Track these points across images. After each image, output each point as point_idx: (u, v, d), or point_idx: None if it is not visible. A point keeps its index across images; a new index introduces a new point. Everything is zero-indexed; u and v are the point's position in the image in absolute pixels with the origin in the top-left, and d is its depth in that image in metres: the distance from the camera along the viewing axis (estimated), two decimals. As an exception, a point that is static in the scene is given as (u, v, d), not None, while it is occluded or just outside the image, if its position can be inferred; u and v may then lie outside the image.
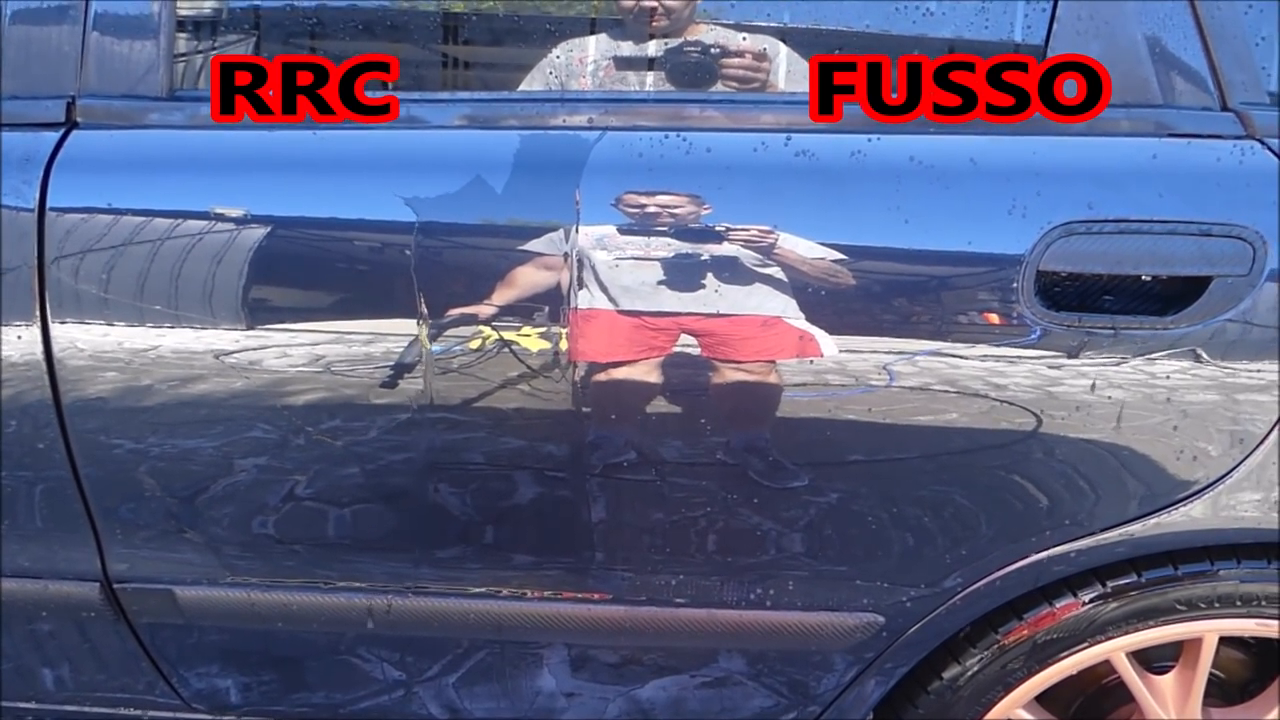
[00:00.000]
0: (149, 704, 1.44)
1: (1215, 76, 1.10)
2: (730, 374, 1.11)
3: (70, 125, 1.14)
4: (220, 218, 1.10)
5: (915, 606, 1.22)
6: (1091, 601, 1.24)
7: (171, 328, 1.13)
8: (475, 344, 1.11)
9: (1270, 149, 1.07)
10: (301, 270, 1.13)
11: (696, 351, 1.10)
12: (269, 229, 1.10)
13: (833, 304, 1.08)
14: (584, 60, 1.38)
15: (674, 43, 1.34)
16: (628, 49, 1.40)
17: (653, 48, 1.38)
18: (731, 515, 1.18)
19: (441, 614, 1.27)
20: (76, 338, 1.13)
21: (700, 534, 1.19)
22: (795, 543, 1.19)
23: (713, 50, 1.28)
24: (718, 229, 1.08)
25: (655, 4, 1.36)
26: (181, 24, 1.21)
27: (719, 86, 1.27)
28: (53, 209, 1.11)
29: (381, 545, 1.23)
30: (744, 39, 1.30)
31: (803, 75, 1.27)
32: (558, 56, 1.38)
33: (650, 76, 1.39)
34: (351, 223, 1.12)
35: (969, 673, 1.30)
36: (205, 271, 1.11)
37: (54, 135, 1.13)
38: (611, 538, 1.21)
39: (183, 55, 1.24)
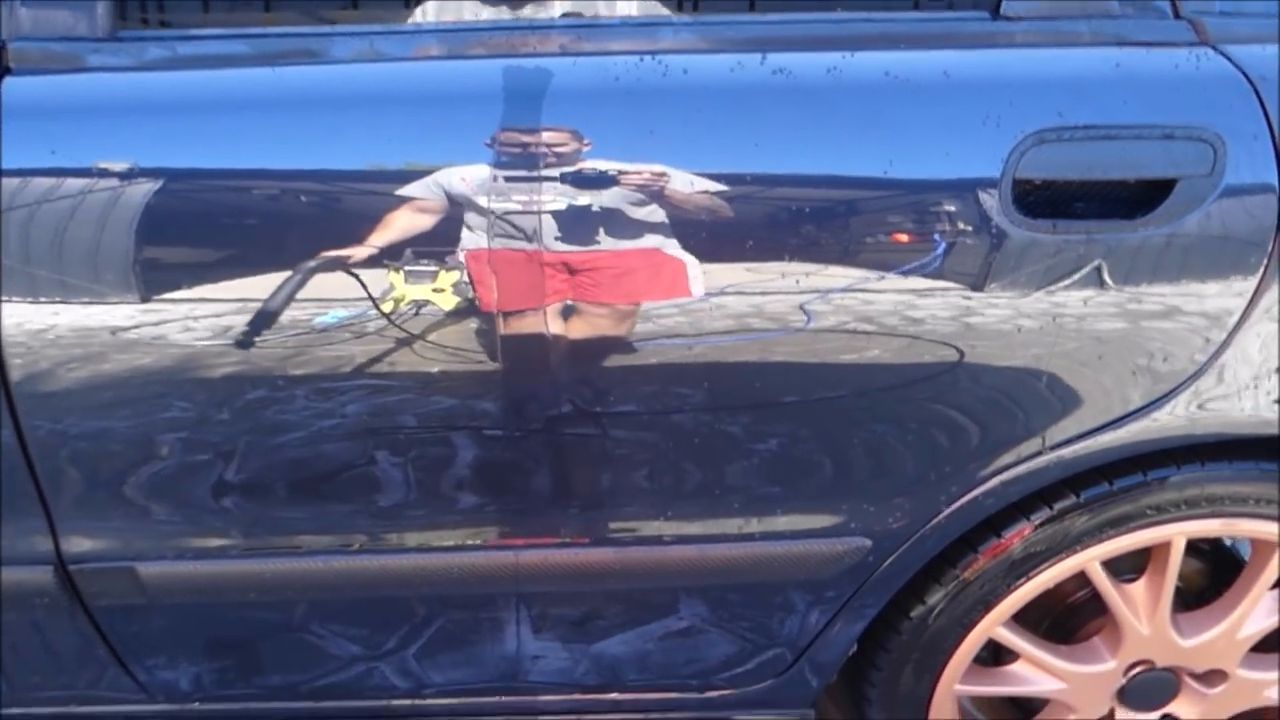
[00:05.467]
0: (108, 699, 1.36)
1: (1167, -13, 1.14)
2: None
3: (3, 71, 1.06)
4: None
5: (902, 527, 1.23)
6: (1066, 512, 1.27)
7: (123, 296, 1.06)
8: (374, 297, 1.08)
9: (1222, 54, 1.11)
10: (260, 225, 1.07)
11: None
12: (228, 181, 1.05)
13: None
14: None
15: None
16: None
17: None
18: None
19: (405, 570, 1.24)
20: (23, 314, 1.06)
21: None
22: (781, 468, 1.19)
23: None
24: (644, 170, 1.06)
25: None
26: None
27: None
28: (-14, 161, 1.03)
29: (344, 501, 1.19)
30: None
31: None
32: None
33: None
34: (322, 172, 1.06)
35: (950, 594, 1.32)
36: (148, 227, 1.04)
37: (-15, 82, 1.05)
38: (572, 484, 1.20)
39: None
